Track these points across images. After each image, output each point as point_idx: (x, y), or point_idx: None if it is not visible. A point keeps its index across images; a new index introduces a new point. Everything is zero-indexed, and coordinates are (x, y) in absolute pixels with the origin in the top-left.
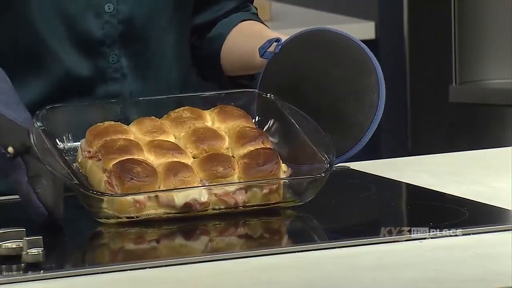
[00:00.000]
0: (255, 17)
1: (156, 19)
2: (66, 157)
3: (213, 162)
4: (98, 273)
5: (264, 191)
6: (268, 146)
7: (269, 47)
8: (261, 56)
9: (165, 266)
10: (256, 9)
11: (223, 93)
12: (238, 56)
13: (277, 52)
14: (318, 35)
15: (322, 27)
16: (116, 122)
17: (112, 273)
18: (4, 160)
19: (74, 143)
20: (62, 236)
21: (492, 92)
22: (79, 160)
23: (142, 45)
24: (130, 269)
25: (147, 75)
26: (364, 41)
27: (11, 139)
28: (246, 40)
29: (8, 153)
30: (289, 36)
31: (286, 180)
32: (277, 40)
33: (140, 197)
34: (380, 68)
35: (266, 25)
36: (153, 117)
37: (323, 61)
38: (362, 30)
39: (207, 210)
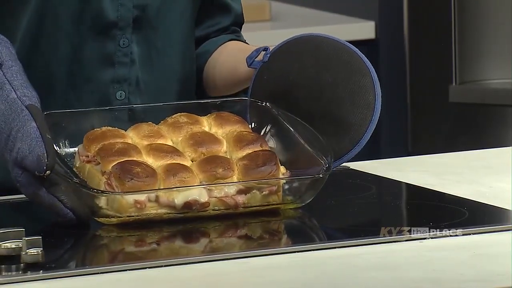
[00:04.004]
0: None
1: (169, 9)
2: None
3: (212, 163)
4: (98, 273)
5: (264, 192)
6: (267, 149)
7: (257, 56)
8: (249, 65)
9: (165, 266)
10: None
11: (218, 101)
12: (220, 70)
13: (266, 61)
14: (306, 41)
15: (309, 33)
16: (113, 128)
17: (111, 273)
18: (20, 177)
19: (71, 149)
20: (62, 236)
21: (492, 92)
22: (76, 165)
23: (154, 33)
24: (129, 269)
25: (154, 64)
26: (364, 41)
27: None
28: (230, 55)
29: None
30: (276, 45)
31: (286, 182)
32: (265, 48)
33: (141, 198)
34: (373, 68)
35: None
36: (150, 122)
37: (314, 66)
38: (362, 30)
39: (207, 210)
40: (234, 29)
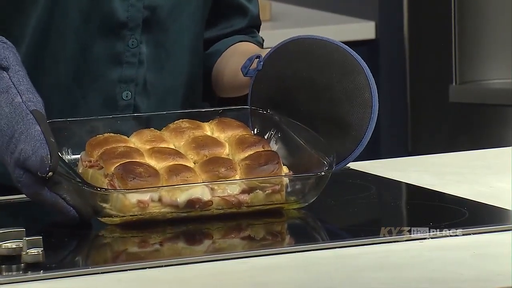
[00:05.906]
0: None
1: (179, 11)
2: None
3: (215, 164)
4: (98, 273)
5: (267, 191)
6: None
7: (251, 65)
8: (245, 75)
9: (165, 266)
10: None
11: (219, 109)
12: (227, 73)
13: (260, 69)
14: (297, 44)
15: (299, 36)
16: (116, 133)
17: (112, 273)
18: (22, 178)
19: (73, 156)
20: (62, 236)
21: (492, 92)
22: (79, 171)
23: (163, 35)
24: (130, 269)
25: (163, 66)
26: (364, 41)
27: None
28: (236, 57)
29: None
30: (268, 51)
31: (289, 182)
32: (258, 56)
33: (143, 197)
34: (367, 66)
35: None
36: (152, 128)
37: (307, 69)
38: (362, 30)
39: (210, 209)
40: (250, 30)
